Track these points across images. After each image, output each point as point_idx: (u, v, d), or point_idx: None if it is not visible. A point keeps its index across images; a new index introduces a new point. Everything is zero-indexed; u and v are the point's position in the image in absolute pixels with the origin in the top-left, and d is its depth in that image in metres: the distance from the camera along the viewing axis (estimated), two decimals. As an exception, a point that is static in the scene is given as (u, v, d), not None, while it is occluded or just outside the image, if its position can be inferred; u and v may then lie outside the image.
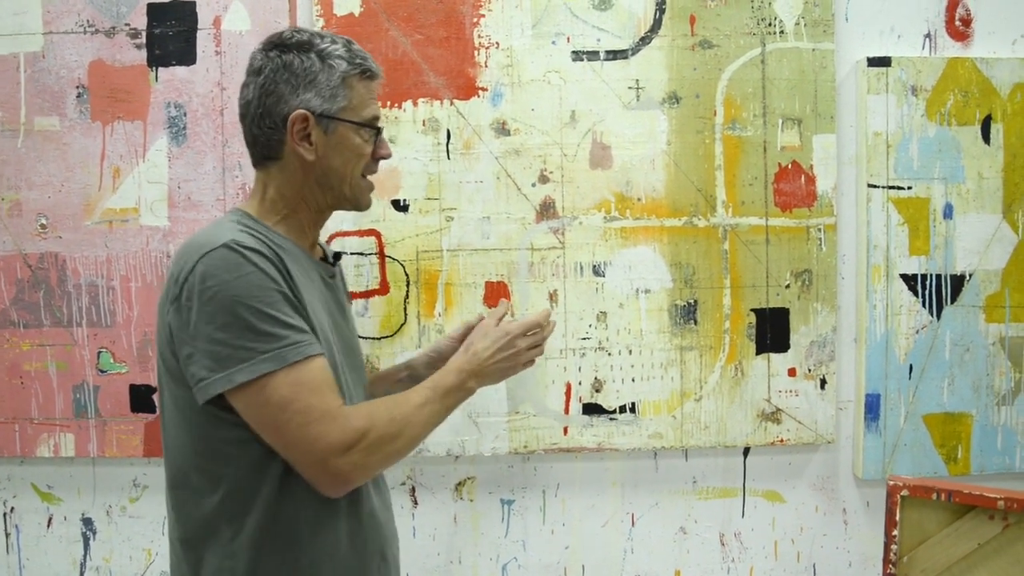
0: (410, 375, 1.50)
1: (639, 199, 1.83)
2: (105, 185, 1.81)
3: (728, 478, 1.91)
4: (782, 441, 1.85)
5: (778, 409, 1.85)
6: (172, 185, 1.81)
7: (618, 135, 1.82)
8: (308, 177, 1.22)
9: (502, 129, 1.81)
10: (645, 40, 1.81)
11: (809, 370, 1.85)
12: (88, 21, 1.79)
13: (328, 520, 1.16)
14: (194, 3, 1.79)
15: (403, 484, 1.89)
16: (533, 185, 1.82)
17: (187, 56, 1.79)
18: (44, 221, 1.81)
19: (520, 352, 1.29)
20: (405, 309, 1.82)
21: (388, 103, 1.80)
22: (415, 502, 1.89)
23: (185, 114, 1.80)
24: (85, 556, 1.89)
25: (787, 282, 1.84)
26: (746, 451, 1.90)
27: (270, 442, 1.09)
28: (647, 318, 1.84)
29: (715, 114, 1.82)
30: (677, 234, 1.83)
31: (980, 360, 1.84)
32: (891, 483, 1.27)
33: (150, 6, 1.79)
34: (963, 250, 1.83)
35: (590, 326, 1.84)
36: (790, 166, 1.83)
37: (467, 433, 1.84)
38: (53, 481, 1.89)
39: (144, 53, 1.79)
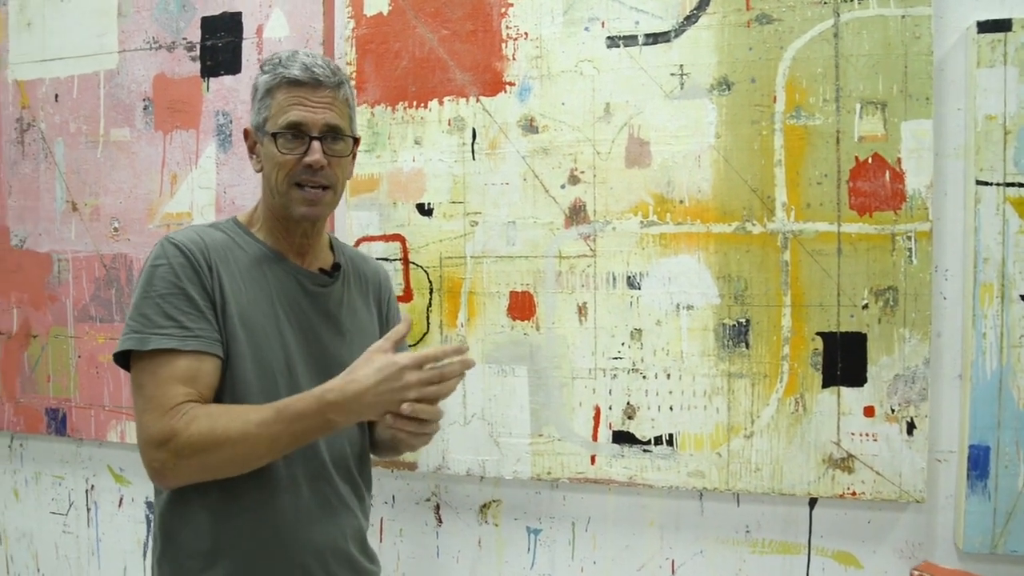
0: None
1: (681, 201, 1.55)
2: (165, 191, 1.87)
3: (789, 531, 1.57)
4: (854, 494, 1.48)
5: (849, 455, 1.49)
6: (219, 190, 1.82)
7: (658, 129, 1.56)
8: (264, 187, 1.25)
9: (530, 126, 1.63)
10: (691, 19, 1.54)
11: (892, 410, 1.46)
12: (153, 38, 1.86)
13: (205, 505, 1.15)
14: (240, 14, 1.79)
15: (428, 500, 1.76)
16: (562, 187, 1.62)
17: (233, 65, 1.80)
18: (116, 224, 1.91)
19: (409, 387, 1.06)
20: (428, 318, 1.70)
21: (414, 103, 1.68)
22: (439, 520, 1.76)
23: (231, 121, 1.81)
24: (148, 537, 1.97)
25: (865, 301, 1.47)
26: (813, 502, 1.55)
27: None
28: (689, 338, 1.56)
29: (775, 101, 1.50)
30: (726, 242, 1.53)
31: None
32: (916, 573, 0.93)
33: (204, 20, 1.82)
34: (1113, 266, 1.36)
35: (623, 344, 1.59)
36: (870, 160, 1.46)
37: (487, 453, 1.67)
38: (125, 464, 1.98)
39: (198, 65, 1.83)
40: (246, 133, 1.25)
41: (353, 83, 1.71)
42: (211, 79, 1.82)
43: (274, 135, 1.17)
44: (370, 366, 1.07)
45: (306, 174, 1.19)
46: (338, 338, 1.29)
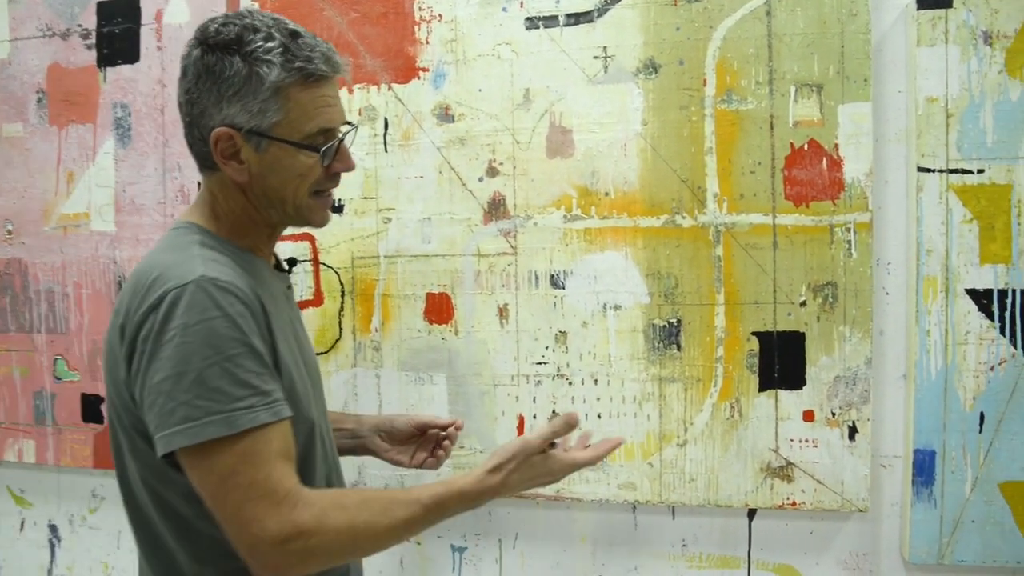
0: (352, 434, 1.24)
1: (607, 193, 1.38)
2: (61, 190, 1.65)
3: (728, 544, 1.41)
4: (794, 504, 1.33)
5: (789, 463, 1.33)
6: (118, 188, 1.62)
7: (581, 116, 1.39)
8: (248, 195, 0.97)
9: (445, 115, 1.45)
10: (614, -3, 1.37)
11: (833, 414, 1.31)
12: (47, 25, 1.65)
13: None
14: (138, -2, 1.59)
15: (347, 518, 1.58)
16: (480, 179, 1.44)
17: (131, 54, 1.60)
18: (10, 227, 1.69)
19: (552, 472, 1.02)
20: (340, 323, 1.51)
21: (322, 91, 1.50)
22: (359, 539, 1.57)
23: (130, 114, 1.60)
24: (51, 563, 1.75)
25: (803, 298, 1.31)
26: (752, 513, 1.39)
27: (212, 512, 0.86)
28: (617, 340, 1.39)
29: (705, 84, 1.34)
30: (655, 236, 1.37)
31: (1094, 413, 1.22)
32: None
33: (99, 4, 1.61)
34: (1063, 257, 1.21)
35: (547, 348, 1.42)
36: (807, 146, 1.30)
37: (406, 467, 1.48)
38: (25, 485, 1.76)
39: (94, 53, 1.62)
40: (224, 136, 0.92)
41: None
42: (108, 69, 1.62)
43: (303, 144, 0.94)
44: (528, 471, 1.00)
45: (331, 182, 0.99)
46: (308, 341, 1.12)
